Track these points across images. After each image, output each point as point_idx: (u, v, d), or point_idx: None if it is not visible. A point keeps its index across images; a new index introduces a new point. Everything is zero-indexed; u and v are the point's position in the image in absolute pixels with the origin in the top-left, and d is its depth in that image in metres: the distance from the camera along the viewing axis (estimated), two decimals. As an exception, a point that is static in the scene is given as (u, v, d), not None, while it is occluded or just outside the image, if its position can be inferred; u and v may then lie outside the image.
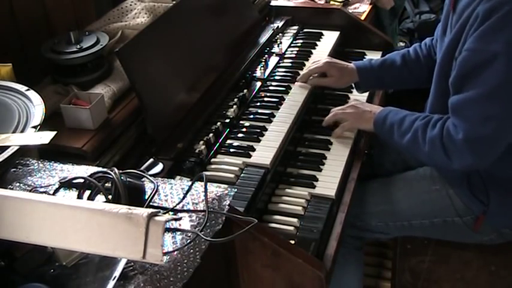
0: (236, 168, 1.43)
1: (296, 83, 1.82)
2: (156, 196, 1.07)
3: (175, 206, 1.06)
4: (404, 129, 1.52)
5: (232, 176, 1.41)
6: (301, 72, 1.86)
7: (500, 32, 1.32)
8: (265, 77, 1.85)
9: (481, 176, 1.52)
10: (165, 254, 0.95)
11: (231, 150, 1.51)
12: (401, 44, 3.12)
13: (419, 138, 1.48)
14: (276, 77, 1.87)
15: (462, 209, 1.58)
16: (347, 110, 1.67)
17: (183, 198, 1.08)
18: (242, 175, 1.42)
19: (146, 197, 1.05)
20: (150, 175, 1.12)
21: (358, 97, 1.87)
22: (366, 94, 1.89)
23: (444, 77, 1.49)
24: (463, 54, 1.40)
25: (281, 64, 1.94)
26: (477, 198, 1.54)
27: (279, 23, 2.15)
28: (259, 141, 1.54)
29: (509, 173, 1.52)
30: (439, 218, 1.61)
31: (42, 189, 1.09)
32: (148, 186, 1.08)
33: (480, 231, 1.58)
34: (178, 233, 1.00)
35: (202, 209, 1.05)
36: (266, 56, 1.96)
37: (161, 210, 1.02)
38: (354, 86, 1.87)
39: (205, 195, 1.07)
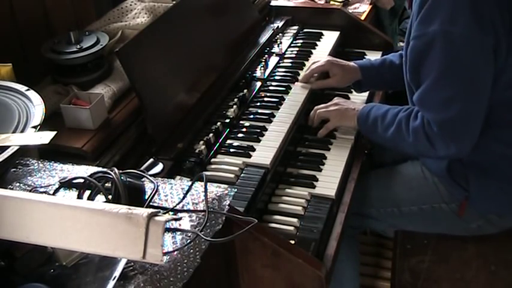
0: (236, 168, 1.43)
1: (296, 83, 1.82)
2: (156, 196, 1.07)
3: (175, 206, 1.06)
4: (388, 122, 1.54)
5: (232, 176, 1.41)
6: (302, 73, 1.86)
7: (435, 13, 1.36)
8: (265, 77, 1.85)
9: (460, 161, 1.53)
10: (165, 254, 0.95)
11: (231, 150, 1.51)
12: (402, 44, 3.11)
13: (403, 129, 1.50)
14: (276, 77, 1.87)
15: (446, 195, 1.60)
16: (330, 108, 1.68)
17: (183, 198, 1.08)
18: (242, 175, 1.42)
19: (146, 197, 1.05)
20: (150, 175, 1.12)
21: (358, 97, 1.87)
22: (366, 94, 1.89)
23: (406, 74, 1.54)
24: (410, 44, 1.45)
25: (281, 64, 1.94)
26: (458, 184, 1.55)
27: (279, 23, 2.15)
28: (259, 141, 1.54)
29: (487, 157, 1.52)
30: (427, 205, 1.63)
31: (42, 189, 1.09)
32: (148, 186, 1.08)
33: (466, 218, 1.59)
34: (178, 233, 1.00)
35: (202, 209, 1.05)
36: (266, 56, 1.96)
37: (161, 210, 1.02)
38: (352, 86, 1.87)
39: (205, 195, 1.07)
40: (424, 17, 1.39)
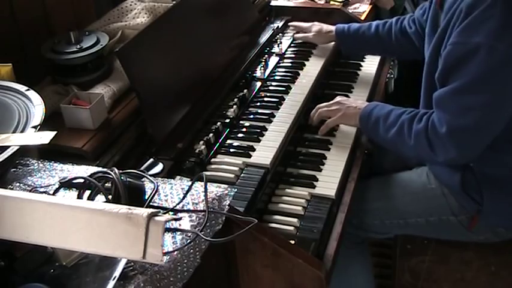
0: (236, 168, 1.43)
1: (296, 83, 1.82)
2: (156, 196, 1.07)
3: (175, 206, 1.06)
4: (390, 123, 1.53)
5: (232, 176, 1.41)
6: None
7: (482, 24, 1.34)
8: (265, 77, 1.85)
9: (474, 175, 1.52)
10: (165, 254, 0.95)
11: (231, 150, 1.51)
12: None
13: (405, 132, 1.49)
14: (276, 77, 1.87)
15: (457, 208, 1.58)
16: (332, 107, 1.68)
17: (183, 198, 1.08)
18: (242, 175, 1.42)
19: (146, 197, 1.05)
20: (150, 175, 1.12)
21: (358, 97, 1.87)
22: (366, 94, 1.90)
23: (431, 75, 1.51)
24: (448, 48, 1.42)
25: (281, 64, 1.95)
26: (471, 198, 1.54)
27: (279, 23, 2.15)
28: (259, 141, 1.54)
29: (503, 172, 1.51)
30: (434, 217, 1.62)
31: (42, 189, 1.09)
32: (148, 186, 1.08)
33: (475, 231, 1.58)
34: (178, 233, 1.00)
35: (202, 209, 1.05)
36: (266, 56, 1.96)
37: (161, 210, 1.02)
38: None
39: (205, 195, 1.07)
40: (470, 26, 1.36)
